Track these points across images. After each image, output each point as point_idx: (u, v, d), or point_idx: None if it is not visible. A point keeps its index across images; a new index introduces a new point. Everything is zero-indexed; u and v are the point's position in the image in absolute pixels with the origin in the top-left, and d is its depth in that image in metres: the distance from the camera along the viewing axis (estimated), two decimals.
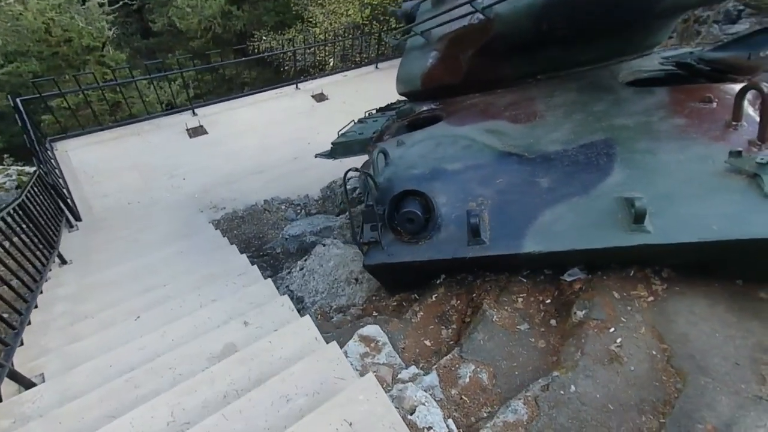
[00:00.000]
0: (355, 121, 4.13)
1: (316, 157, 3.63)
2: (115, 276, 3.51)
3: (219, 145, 7.37)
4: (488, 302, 2.29)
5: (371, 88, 9.09)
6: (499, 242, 2.11)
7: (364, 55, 9.88)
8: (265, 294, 2.70)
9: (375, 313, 2.77)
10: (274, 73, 16.50)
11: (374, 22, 9.63)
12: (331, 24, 9.92)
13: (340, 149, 3.51)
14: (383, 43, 9.38)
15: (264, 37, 11.26)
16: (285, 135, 7.58)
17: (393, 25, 9.84)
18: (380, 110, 4.80)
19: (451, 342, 2.29)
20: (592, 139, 2.27)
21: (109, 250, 4.28)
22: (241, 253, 5.40)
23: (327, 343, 2.03)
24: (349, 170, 2.38)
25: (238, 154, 7.16)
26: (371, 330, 2.19)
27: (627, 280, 2.13)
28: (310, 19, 10.74)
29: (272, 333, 2.18)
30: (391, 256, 2.31)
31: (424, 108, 3.59)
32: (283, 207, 6.26)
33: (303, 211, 6.23)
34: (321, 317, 2.99)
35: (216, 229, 5.59)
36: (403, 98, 4.44)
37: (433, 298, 2.52)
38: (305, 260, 3.65)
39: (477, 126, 2.71)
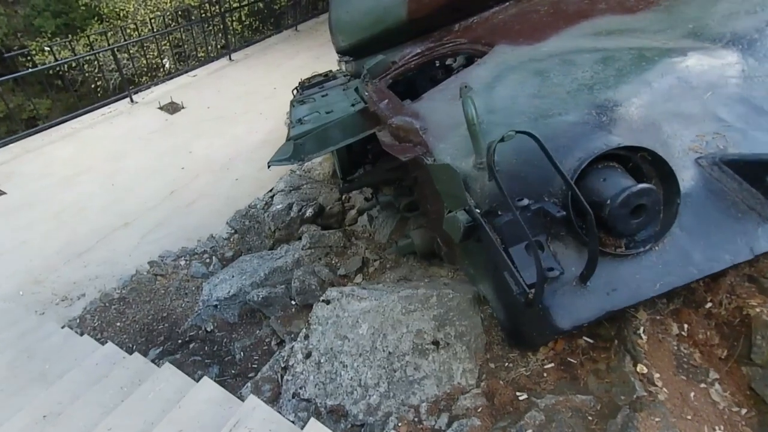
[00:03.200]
0: (295, 104, 2.64)
1: (269, 166, 2.09)
2: None
3: (34, 205, 4.76)
4: (759, 308, 1.30)
5: (236, 84, 7.22)
6: None
7: (210, 48, 7.81)
8: None
9: (529, 396, 1.53)
10: (78, 98, 12.55)
11: (209, 5, 7.60)
12: (150, 13, 7.50)
13: (310, 143, 2.04)
14: (231, 29, 7.51)
15: (47, 48, 8.05)
16: (143, 165, 5.33)
17: (234, 5, 7.97)
18: (304, 87, 3.35)
19: (745, 411, 1.24)
20: None
21: None
22: (148, 348, 3.43)
23: None
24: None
25: (75, 210, 4.72)
26: None
27: None
28: (113, 14, 8.00)
29: None
30: (614, 296, 1.11)
31: (409, 52, 2.36)
32: (182, 263, 4.27)
33: (214, 258, 4.36)
34: None
35: (80, 333, 3.42)
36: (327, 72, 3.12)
37: (642, 336, 1.41)
38: (306, 339, 2.12)
39: (574, 33, 1.64)
